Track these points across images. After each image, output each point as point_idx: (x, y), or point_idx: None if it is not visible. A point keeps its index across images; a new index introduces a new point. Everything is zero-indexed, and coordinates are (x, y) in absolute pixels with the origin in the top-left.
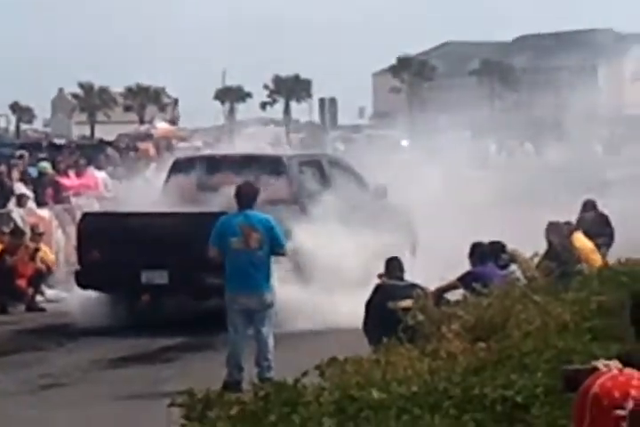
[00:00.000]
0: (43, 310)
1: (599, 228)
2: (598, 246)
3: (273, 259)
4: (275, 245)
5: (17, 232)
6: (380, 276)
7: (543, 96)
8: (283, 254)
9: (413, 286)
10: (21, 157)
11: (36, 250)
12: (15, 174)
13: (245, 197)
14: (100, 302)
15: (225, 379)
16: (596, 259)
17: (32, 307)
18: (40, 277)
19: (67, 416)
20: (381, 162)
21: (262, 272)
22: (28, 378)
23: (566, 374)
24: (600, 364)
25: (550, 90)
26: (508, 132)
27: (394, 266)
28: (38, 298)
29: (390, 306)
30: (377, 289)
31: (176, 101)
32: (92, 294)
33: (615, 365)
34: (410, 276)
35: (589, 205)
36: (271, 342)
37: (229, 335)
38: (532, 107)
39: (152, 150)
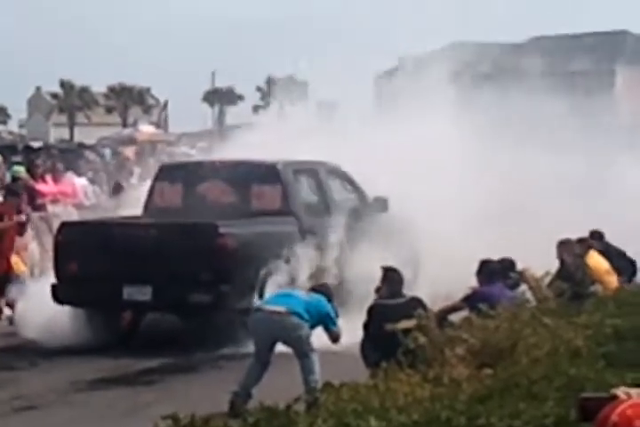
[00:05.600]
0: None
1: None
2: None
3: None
4: (327, 322)
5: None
6: (377, 290)
7: (559, 102)
8: (335, 332)
9: (412, 301)
10: None
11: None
12: None
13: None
14: (78, 319)
15: (230, 399)
16: (612, 280)
17: None
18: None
19: None
20: None
21: (297, 304)
22: (0, 400)
23: (582, 403)
24: (620, 392)
25: (566, 95)
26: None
27: (392, 278)
28: (7, 313)
29: (388, 328)
30: (372, 309)
31: (166, 104)
32: (69, 310)
33: (637, 392)
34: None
35: (596, 236)
36: (315, 358)
37: (252, 359)
38: (549, 114)
39: (132, 155)
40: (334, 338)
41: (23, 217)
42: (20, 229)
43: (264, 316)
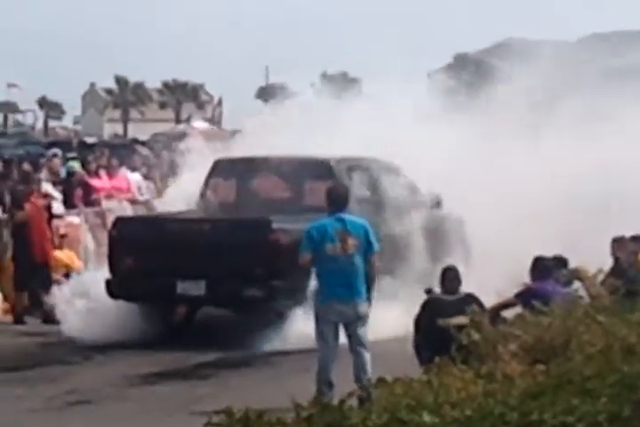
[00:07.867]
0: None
1: None
2: None
3: None
4: (366, 249)
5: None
6: (426, 291)
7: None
8: (370, 259)
9: (467, 298)
10: (55, 155)
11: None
12: (43, 174)
13: (337, 200)
14: (132, 314)
15: (315, 396)
16: None
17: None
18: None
19: None
20: None
21: (358, 279)
22: (54, 394)
23: None
24: None
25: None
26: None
27: (450, 277)
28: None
29: (440, 324)
30: (426, 304)
31: (220, 101)
32: (123, 304)
33: None
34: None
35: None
36: (369, 354)
37: (320, 349)
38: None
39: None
40: (371, 266)
41: (44, 201)
42: (47, 211)
43: (334, 310)
